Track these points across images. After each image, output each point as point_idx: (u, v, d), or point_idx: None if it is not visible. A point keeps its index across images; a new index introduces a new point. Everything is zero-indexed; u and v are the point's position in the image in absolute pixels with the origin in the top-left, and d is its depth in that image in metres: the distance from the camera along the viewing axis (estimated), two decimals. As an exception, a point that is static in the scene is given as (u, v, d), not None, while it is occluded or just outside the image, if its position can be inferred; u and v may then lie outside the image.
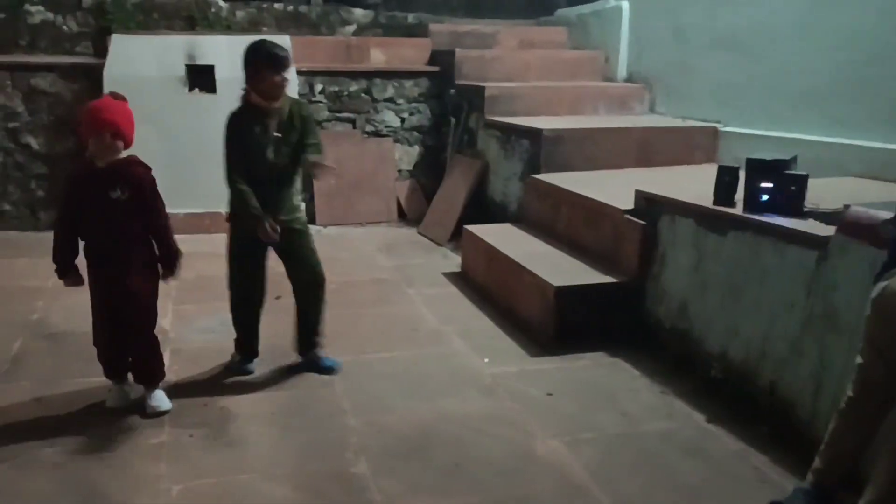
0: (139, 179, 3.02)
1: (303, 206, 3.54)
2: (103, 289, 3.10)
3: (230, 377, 3.53)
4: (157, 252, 3.13)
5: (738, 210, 3.44)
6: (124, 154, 3.03)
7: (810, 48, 4.75)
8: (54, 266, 3.09)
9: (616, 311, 3.98)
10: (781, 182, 3.33)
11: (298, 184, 3.48)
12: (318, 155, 3.37)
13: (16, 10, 6.31)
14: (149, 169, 3.09)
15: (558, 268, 4.17)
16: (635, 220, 3.99)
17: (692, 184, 4.36)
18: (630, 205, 4.09)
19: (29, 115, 5.73)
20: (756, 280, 3.28)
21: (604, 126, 5.49)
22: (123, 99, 3.11)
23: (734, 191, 3.55)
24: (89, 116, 2.98)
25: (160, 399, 3.20)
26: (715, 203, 3.57)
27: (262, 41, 3.33)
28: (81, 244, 3.11)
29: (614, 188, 4.54)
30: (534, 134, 5.28)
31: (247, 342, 3.59)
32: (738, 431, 3.13)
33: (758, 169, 3.39)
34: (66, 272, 3.08)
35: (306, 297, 3.57)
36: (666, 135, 5.44)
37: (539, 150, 5.20)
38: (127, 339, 3.15)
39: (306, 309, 3.58)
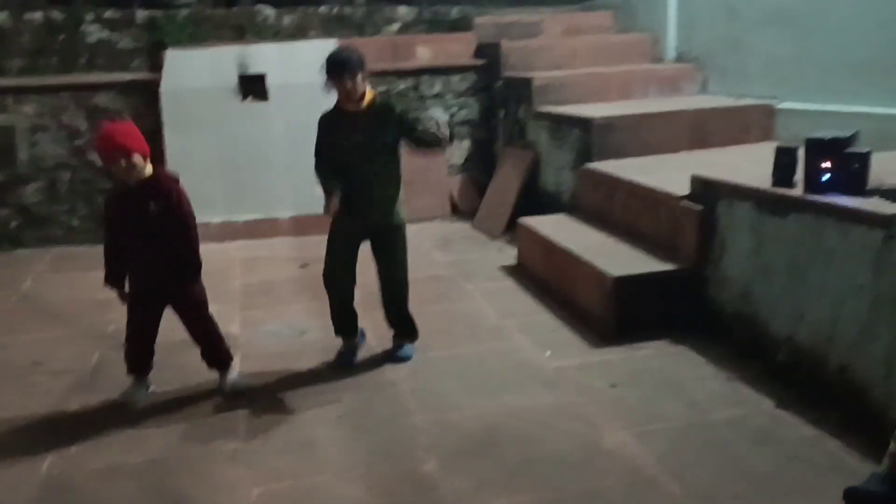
0: (168, 192, 3.23)
1: (401, 205, 3.63)
2: (148, 293, 3.32)
3: (299, 378, 3.62)
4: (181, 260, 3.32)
5: (798, 191, 3.38)
6: (149, 169, 3.21)
7: (866, 18, 4.60)
8: (106, 283, 3.34)
9: (677, 299, 3.95)
10: (843, 161, 3.25)
11: (397, 183, 3.60)
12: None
13: (74, 31, 6.53)
14: (176, 181, 3.29)
15: (616, 257, 4.15)
16: (692, 205, 3.95)
17: (749, 164, 4.30)
18: (686, 190, 4.04)
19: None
20: (820, 262, 3.22)
21: (655, 110, 5.41)
22: (123, 119, 3.26)
23: (793, 172, 3.49)
24: (99, 149, 3.19)
25: (236, 379, 3.48)
26: (774, 185, 3.51)
27: (335, 51, 3.49)
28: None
29: (669, 173, 4.49)
30: (584, 122, 5.25)
31: (346, 328, 3.75)
32: (808, 417, 3.08)
33: (817, 148, 3.32)
34: (114, 284, 3.33)
35: (391, 296, 3.74)
36: (720, 115, 5.34)
37: (590, 138, 5.17)
38: (191, 333, 3.43)
39: (392, 305, 3.76)
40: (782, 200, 3.41)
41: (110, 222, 3.29)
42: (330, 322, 3.81)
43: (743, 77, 5.71)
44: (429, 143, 3.51)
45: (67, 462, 2.98)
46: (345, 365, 3.72)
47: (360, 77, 3.40)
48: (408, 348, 3.81)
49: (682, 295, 3.95)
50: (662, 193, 4.21)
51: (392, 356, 3.79)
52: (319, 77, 3.41)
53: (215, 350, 3.48)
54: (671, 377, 3.51)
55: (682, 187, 4.09)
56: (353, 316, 3.76)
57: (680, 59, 6.44)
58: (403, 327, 3.82)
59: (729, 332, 3.76)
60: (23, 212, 5.90)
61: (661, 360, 3.68)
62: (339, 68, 3.37)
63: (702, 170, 4.08)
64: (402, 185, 3.66)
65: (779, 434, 3.00)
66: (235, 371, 3.56)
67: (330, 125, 3.52)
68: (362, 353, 3.83)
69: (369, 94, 3.49)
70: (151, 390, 3.50)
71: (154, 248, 3.26)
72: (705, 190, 3.93)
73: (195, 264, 3.34)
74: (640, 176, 4.54)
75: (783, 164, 3.48)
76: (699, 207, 3.91)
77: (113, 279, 3.32)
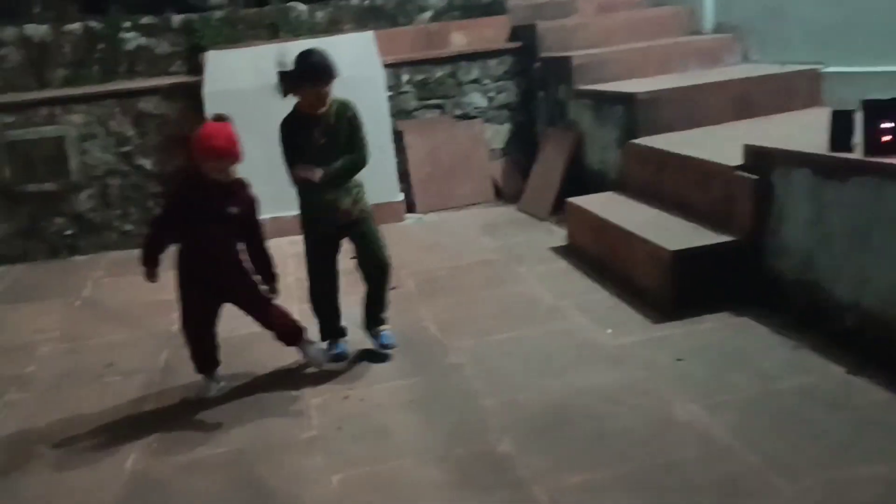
0: (250, 200, 3.41)
1: (365, 195, 3.65)
2: (207, 291, 3.41)
3: (364, 367, 3.68)
4: (254, 266, 3.46)
5: (857, 154, 3.34)
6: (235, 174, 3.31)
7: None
8: (141, 257, 3.40)
9: (735, 271, 3.92)
10: (904, 121, 3.20)
11: (357, 178, 3.61)
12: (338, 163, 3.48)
13: (113, 39, 6.64)
14: (251, 189, 3.43)
15: (670, 232, 4.14)
16: (747, 175, 3.91)
17: (799, 131, 4.25)
18: (738, 160, 4.01)
19: (139, 137, 6.04)
20: (884, 225, 3.18)
21: (698, 82, 5.35)
22: (227, 120, 3.32)
23: (851, 135, 3.44)
24: (197, 145, 3.25)
25: (316, 350, 3.63)
26: (832, 150, 3.47)
27: (309, 52, 3.45)
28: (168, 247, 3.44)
29: (718, 145, 4.45)
30: (627, 99, 5.22)
31: (330, 324, 3.78)
32: (881, 381, 3.06)
33: (876, 109, 3.26)
34: (151, 265, 3.39)
35: (371, 281, 3.73)
36: (764, 83, 5.27)
37: (634, 114, 5.13)
38: (259, 321, 3.51)
39: (372, 292, 3.74)
40: (842, 165, 3.37)
41: (176, 207, 3.36)
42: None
43: (785, 45, 5.62)
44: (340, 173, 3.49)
45: (150, 457, 3.07)
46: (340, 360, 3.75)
47: (309, 88, 3.41)
48: (388, 332, 3.76)
49: (739, 266, 3.92)
50: (714, 165, 4.17)
51: (380, 344, 3.74)
52: (280, 80, 3.43)
53: (286, 327, 3.57)
54: (736, 349, 3.50)
55: (733, 158, 4.05)
56: (339, 318, 3.81)
57: (718, 29, 6.35)
58: (379, 312, 3.77)
59: (790, 300, 3.73)
60: (77, 219, 6.03)
61: (723, 333, 3.67)
62: (328, 74, 3.38)
63: (750, 139, 4.03)
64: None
65: (852, 399, 2.98)
66: (315, 344, 3.67)
67: (296, 130, 3.47)
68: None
69: (328, 102, 3.49)
70: (222, 385, 3.57)
71: (224, 248, 3.37)
72: (759, 159, 3.89)
73: (273, 269, 3.49)
74: (688, 149, 4.50)
75: (841, 128, 3.44)
76: (754, 177, 3.87)
77: (151, 260, 3.39)
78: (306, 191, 3.54)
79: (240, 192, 3.38)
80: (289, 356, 3.74)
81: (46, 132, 5.89)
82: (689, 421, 2.96)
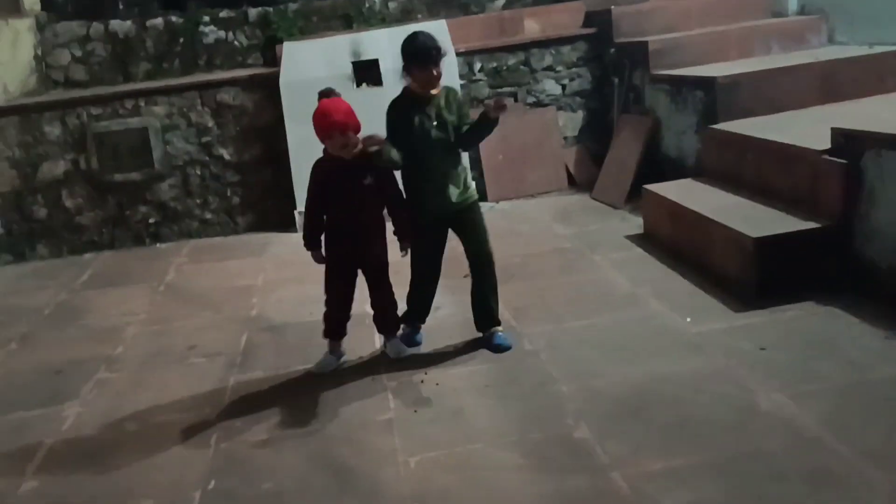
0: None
1: (472, 184, 3.67)
2: (347, 260, 3.54)
3: (440, 351, 3.69)
4: (394, 226, 3.57)
5: (958, 135, 3.17)
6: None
7: None
8: (304, 242, 3.55)
9: (821, 257, 3.79)
10: None
11: (465, 162, 3.64)
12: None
13: (192, 33, 6.83)
14: None
15: (752, 218, 4.02)
16: (835, 159, 3.77)
17: (890, 114, 4.07)
18: (826, 144, 3.86)
19: (218, 128, 6.19)
20: None
21: (781, 65, 5.18)
22: (333, 94, 3.41)
23: (951, 115, 3.28)
24: (317, 124, 3.33)
25: (400, 345, 3.68)
26: (929, 131, 3.31)
27: (414, 35, 3.44)
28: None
29: (803, 128, 4.31)
30: (707, 83, 5.08)
31: (420, 313, 3.79)
32: (982, 372, 2.91)
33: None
34: (315, 248, 3.53)
35: (475, 273, 3.68)
36: (852, 65, 5.05)
37: (714, 98, 5.00)
38: (373, 297, 3.64)
39: (477, 285, 3.69)
40: (940, 146, 3.21)
41: (321, 190, 3.46)
42: (462, 298, 3.87)
43: (874, 25, 5.38)
44: (480, 126, 3.48)
45: (233, 436, 3.15)
46: (411, 345, 3.74)
47: (421, 72, 3.39)
48: (501, 336, 3.66)
49: (826, 253, 3.78)
50: (799, 149, 4.03)
51: (489, 344, 3.66)
52: (399, 63, 3.44)
53: (388, 316, 3.68)
54: (823, 338, 3.37)
55: (819, 142, 3.91)
56: (429, 309, 3.82)
57: (803, 10, 6.13)
58: (490, 310, 3.68)
59: (882, 288, 3.58)
60: (160, 208, 6.23)
61: (809, 321, 3.54)
62: (436, 54, 3.37)
63: (838, 122, 3.88)
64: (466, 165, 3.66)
65: (951, 391, 2.84)
66: (399, 340, 3.73)
67: (406, 112, 3.46)
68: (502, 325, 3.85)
69: (437, 88, 3.49)
70: (344, 359, 3.67)
71: (362, 218, 3.49)
72: (848, 142, 3.74)
73: (408, 225, 3.57)
74: (772, 133, 4.36)
75: (939, 108, 3.27)
76: (843, 161, 3.73)
77: (314, 243, 3.53)
78: (416, 177, 3.52)
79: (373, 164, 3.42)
80: (367, 342, 3.80)
81: (131, 123, 6.10)
82: (775, 410, 2.87)
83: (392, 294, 3.67)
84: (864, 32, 5.49)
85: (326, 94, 3.39)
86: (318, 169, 3.48)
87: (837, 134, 3.82)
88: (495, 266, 3.67)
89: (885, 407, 2.80)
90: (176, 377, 3.75)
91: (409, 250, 3.59)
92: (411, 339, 3.78)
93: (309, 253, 3.57)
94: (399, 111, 3.48)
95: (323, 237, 3.56)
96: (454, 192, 3.53)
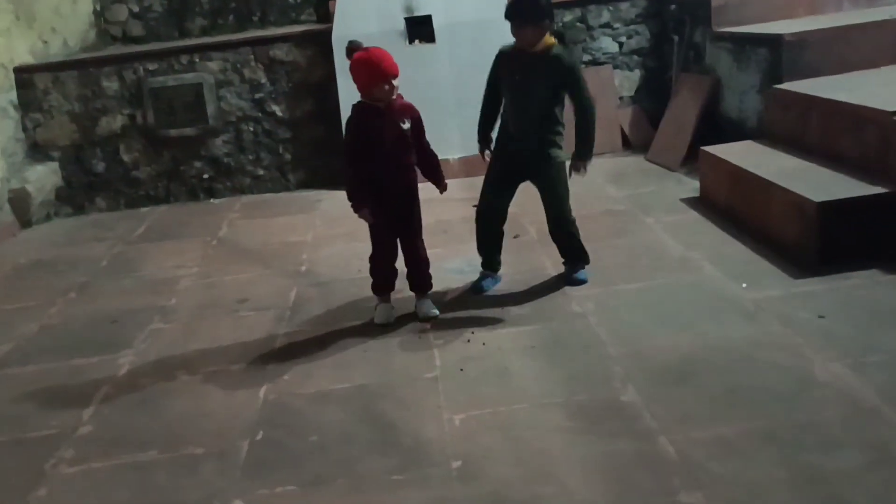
0: (415, 112, 3.52)
1: (559, 141, 3.67)
2: (389, 212, 3.52)
3: (487, 311, 3.67)
4: (427, 170, 3.60)
5: None
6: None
7: None
8: (350, 199, 3.49)
9: (889, 225, 3.62)
10: None
11: (553, 124, 3.64)
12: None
13: (247, -11, 6.83)
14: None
15: (815, 183, 3.86)
16: (908, 121, 3.58)
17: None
18: (899, 105, 3.68)
19: (271, 84, 6.20)
20: None
21: (852, 22, 4.93)
22: (363, 46, 3.40)
23: None
24: (370, 72, 3.33)
25: (430, 305, 3.67)
26: None
27: None
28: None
29: (874, 89, 4.12)
30: (772, 41, 4.86)
31: (484, 257, 3.91)
32: None
33: None
34: (363, 206, 3.48)
35: (551, 233, 3.83)
36: (930, 23, 4.79)
37: (780, 57, 4.78)
38: (408, 253, 3.64)
39: (555, 237, 3.84)
40: None
41: (358, 139, 3.44)
42: (507, 259, 3.95)
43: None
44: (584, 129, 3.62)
45: (281, 388, 3.19)
46: (476, 292, 3.87)
47: (537, 28, 3.48)
48: (581, 272, 3.85)
49: (894, 219, 3.61)
50: (869, 110, 3.84)
51: (567, 279, 3.85)
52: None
53: (422, 274, 3.68)
54: (886, 307, 3.24)
55: (891, 103, 3.73)
56: (496, 251, 3.90)
57: (878, -36, 5.81)
58: (569, 255, 3.87)
59: (952, 258, 3.42)
60: (214, 163, 6.29)
61: (872, 290, 3.41)
62: (515, 15, 3.49)
63: (914, 83, 3.69)
64: (562, 127, 3.68)
65: None
66: (429, 300, 3.72)
67: (503, 61, 3.66)
68: (550, 288, 3.84)
69: (548, 41, 3.54)
70: (392, 311, 3.70)
71: (402, 165, 3.50)
72: (923, 103, 3.55)
73: (440, 171, 3.63)
74: (840, 94, 4.17)
75: None
76: (917, 122, 3.54)
77: (360, 198, 3.48)
78: (506, 111, 3.71)
79: (407, 108, 3.50)
80: (411, 302, 3.78)
81: (186, 79, 6.15)
82: (832, 380, 2.77)
83: (425, 251, 3.67)
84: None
85: (357, 46, 3.38)
86: (362, 122, 3.44)
87: (912, 95, 3.62)
88: (570, 228, 3.82)
89: (949, 380, 2.68)
90: (226, 329, 3.81)
91: (444, 185, 3.64)
92: (480, 284, 3.90)
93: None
94: (499, 59, 3.72)
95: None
96: (528, 144, 3.64)
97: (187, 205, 6.27)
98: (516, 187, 3.79)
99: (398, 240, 3.63)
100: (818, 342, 3.03)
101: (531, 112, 3.59)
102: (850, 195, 3.66)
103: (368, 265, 3.69)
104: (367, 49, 3.39)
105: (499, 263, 3.94)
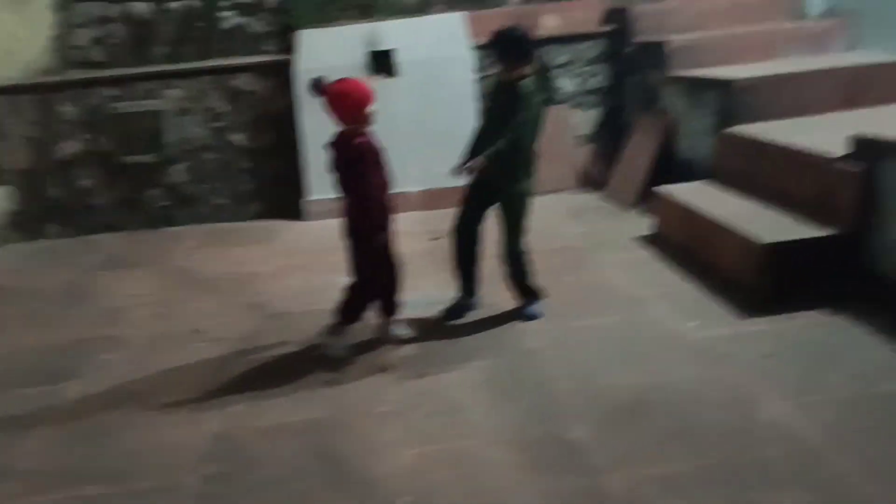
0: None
1: (524, 176, 3.74)
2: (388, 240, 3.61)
3: (442, 345, 3.68)
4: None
5: (977, 147, 3.12)
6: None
7: None
8: (380, 229, 3.55)
9: (833, 266, 3.73)
10: None
11: (522, 154, 3.69)
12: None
13: (210, 18, 6.83)
14: None
15: (765, 223, 3.97)
16: (852, 166, 3.71)
17: (912, 122, 4.00)
18: (843, 151, 3.80)
19: (232, 114, 6.20)
20: None
21: (801, 69, 5.11)
22: (327, 80, 3.46)
23: (971, 126, 3.22)
24: (356, 100, 3.41)
25: (403, 327, 3.75)
26: (948, 142, 3.25)
27: (508, 29, 3.69)
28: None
29: (822, 134, 4.24)
30: (724, 85, 5.02)
31: (460, 281, 3.94)
32: None
33: None
34: (380, 231, 3.54)
35: (501, 257, 3.86)
36: (876, 72, 4.97)
37: (731, 101, 4.94)
38: (387, 279, 3.67)
39: (505, 272, 3.89)
40: (958, 157, 3.15)
41: (376, 166, 3.49)
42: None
43: (899, 30, 5.31)
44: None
45: (234, 421, 3.15)
46: (448, 319, 3.92)
47: (514, 62, 3.62)
48: (535, 308, 3.89)
49: (839, 262, 3.73)
50: (816, 155, 3.98)
51: (521, 314, 3.89)
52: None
53: (391, 298, 3.71)
54: (830, 348, 3.33)
55: (837, 148, 3.85)
56: (470, 274, 3.93)
57: (826, 14, 6.05)
58: (515, 288, 3.91)
59: (892, 300, 3.53)
60: (172, 191, 6.25)
61: (817, 331, 3.50)
62: (497, 48, 3.68)
63: (857, 129, 3.82)
64: (533, 159, 3.76)
65: (958, 408, 2.80)
66: (398, 325, 3.78)
67: (492, 90, 3.87)
68: (507, 323, 3.86)
69: (523, 73, 3.65)
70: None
71: (389, 192, 3.59)
72: (865, 149, 3.68)
73: None
74: (788, 138, 4.30)
75: (959, 118, 3.22)
76: (858, 168, 3.67)
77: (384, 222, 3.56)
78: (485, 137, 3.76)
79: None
80: (371, 331, 3.78)
81: (146, 106, 6.12)
82: (777, 419, 2.83)
83: (395, 274, 3.69)
84: (889, 40, 5.40)
85: (324, 81, 3.42)
86: (374, 150, 3.49)
87: (854, 141, 3.76)
88: (520, 262, 3.86)
89: (888, 421, 2.76)
90: (179, 360, 3.76)
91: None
92: (457, 309, 3.97)
93: (315, 244, 3.58)
94: (490, 87, 4.05)
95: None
96: (496, 173, 3.68)
97: (144, 233, 6.20)
98: (488, 210, 3.83)
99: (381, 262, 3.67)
100: (764, 381, 3.10)
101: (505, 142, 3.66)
102: (797, 237, 3.77)
103: (348, 295, 3.63)
104: (341, 79, 3.45)
105: (475, 289, 3.97)
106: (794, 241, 3.73)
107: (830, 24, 5.86)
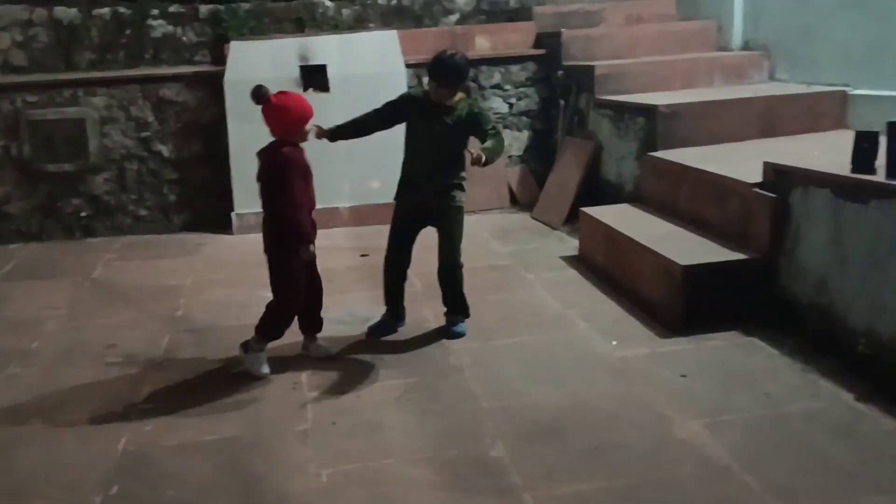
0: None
1: (459, 190, 3.78)
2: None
3: (365, 362, 3.64)
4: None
5: (880, 177, 3.27)
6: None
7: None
8: (305, 238, 3.47)
9: (747, 289, 3.85)
10: (929, 145, 3.13)
11: (458, 170, 3.77)
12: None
13: (140, 26, 6.67)
14: None
15: (683, 247, 4.07)
16: (765, 193, 3.85)
17: (823, 152, 4.18)
18: (758, 178, 3.94)
19: (159, 123, 6.06)
20: (904, 251, 3.11)
21: (722, 98, 5.29)
22: (266, 90, 3.41)
23: (874, 157, 3.38)
24: (298, 115, 3.40)
25: (322, 349, 3.71)
26: (854, 171, 3.40)
27: (447, 56, 3.64)
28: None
29: (738, 162, 4.39)
30: (648, 111, 5.16)
31: (389, 296, 3.95)
32: (891, 409, 2.98)
33: (901, 132, 3.20)
34: (307, 243, 3.48)
35: (439, 278, 3.89)
36: (790, 103, 5.19)
37: (655, 127, 5.07)
38: (313, 293, 3.63)
39: (441, 288, 3.91)
40: (863, 187, 3.30)
41: (301, 179, 3.44)
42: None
43: (813, 64, 5.54)
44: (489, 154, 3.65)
45: (143, 439, 3.05)
46: (373, 335, 3.92)
47: (454, 90, 3.64)
48: (460, 326, 3.91)
49: (752, 285, 3.85)
50: (732, 181, 4.11)
51: (446, 332, 3.90)
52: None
53: (313, 315, 3.69)
54: (743, 369, 3.43)
55: (752, 175, 3.99)
56: (400, 294, 3.96)
57: (746, 46, 6.28)
58: (452, 305, 3.93)
59: (803, 323, 3.66)
60: (93, 201, 6.05)
61: (731, 352, 3.60)
62: (440, 77, 3.61)
63: (773, 158, 3.97)
64: (465, 172, 3.81)
65: (859, 427, 2.91)
66: (321, 344, 3.75)
67: (420, 107, 3.72)
68: (430, 340, 3.86)
69: (455, 98, 3.70)
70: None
71: (315, 205, 3.56)
72: (779, 177, 3.83)
73: None
74: (708, 164, 4.44)
75: (863, 149, 3.37)
76: (772, 195, 3.81)
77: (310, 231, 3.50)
78: (413, 160, 3.77)
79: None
80: (290, 348, 3.72)
81: (68, 113, 5.92)
82: (689, 438, 2.89)
83: (318, 291, 3.66)
84: (803, 72, 5.65)
85: (265, 91, 3.37)
86: (301, 163, 3.45)
87: (769, 169, 3.90)
88: (459, 275, 3.90)
89: (794, 440, 2.85)
90: (90, 375, 3.63)
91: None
92: (383, 327, 3.96)
93: (241, 257, 3.51)
94: (409, 103, 3.81)
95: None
96: (433, 190, 3.74)
97: (62, 243, 5.98)
98: (418, 234, 3.87)
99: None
100: (679, 401, 3.17)
101: (440, 159, 3.70)
102: (714, 260, 3.88)
103: (271, 311, 3.55)
104: (284, 92, 3.44)
105: (404, 310, 4.00)
106: (711, 264, 3.84)
107: (750, 56, 6.08)
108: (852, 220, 3.36)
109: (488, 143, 3.64)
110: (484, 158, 3.53)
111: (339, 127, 3.83)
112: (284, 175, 3.40)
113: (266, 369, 3.55)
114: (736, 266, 3.86)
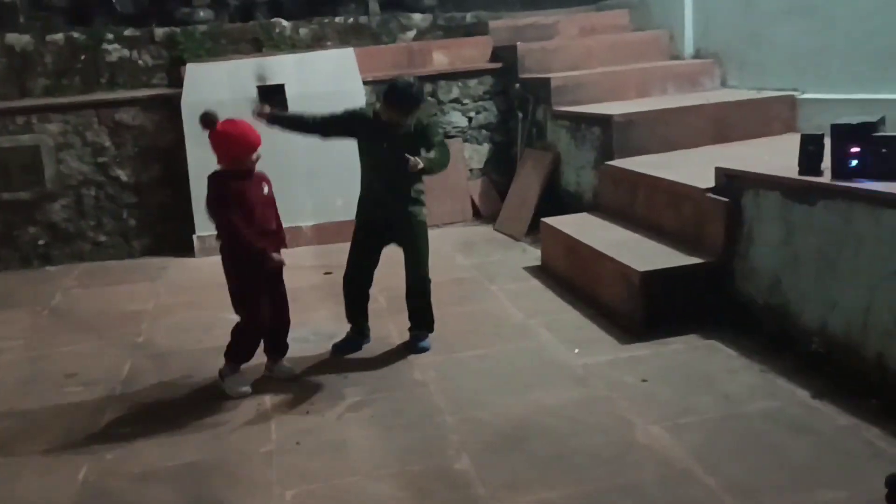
0: (267, 178, 3.58)
1: (422, 206, 3.82)
2: (261, 278, 3.50)
3: (329, 380, 3.63)
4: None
5: (826, 178, 3.35)
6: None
7: (889, 5, 4.56)
8: (254, 249, 3.43)
9: (704, 293, 3.92)
10: (871, 145, 3.22)
11: (416, 183, 3.80)
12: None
13: (95, 51, 6.61)
14: None
15: (641, 253, 4.13)
16: (718, 197, 3.92)
17: (774, 156, 4.27)
18: (711, 183, 4.02)
19: (116, 148, 6.01)
20: (851, 249, 3.19)
21: (675, 106, 5.39)
22: (214, 115, 3.40)
23: (820, 159, 3.47)
24: (245, 142, 3.38)
25: (286, 370, 3.71)
26: (801, 173, 3.48)
27: (404, 84, 3.67)
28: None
29: (692, 168, 4.47)
30: (604, 121, 5.24)
31: (352, 312, 3.96)
32: (845, 406, 3.04)
33: (844, 134, 3.29)
34: (266, 255, 3.45)
35: (407, 292, 3.92)
36: (741, 108, 5.31)
37: (611, 136, 5.15)
38: (277, 316, 3.61)
39: (409, 302, 3.93)
40: (811, 188, 3.38)
41: (232, 204, 3.39)
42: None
43: (763, 70, 5.66)
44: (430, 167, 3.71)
45: (103, 468, 3.01)
46: (338, 353, 3.93)
47: (409, 115, 3.66)
48: (425, 341, 3.93)
49: (709, 288, 3.91)
50: (686, 187, 4.18)
51: (411, 347, 3.91)
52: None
53: (285, 336, 3.70)
54: (702, 371, 3.48)
55: (706, 181, 4.07)
56: (362, 314, 3.98)
57: (698, 54, 6.41)
58: (417, 320, 3.94)
59: (759, 324, 3.73)
60: (50, 229, 5.97)
61: (690, 355, 3.65)
62: (395, 103, 3.61)
63: (725, 163, 4.05)
64: (423, 186, 3.84)
65: (816, 424, 2.96)
66: (284, 365, 3.75)
67: (369, 125, 3.73)
68: (395, 356, 3.87)
69: (407, 121, 3.72)
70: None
71: (268, 229, 3.51)
72: (730, 182, 3.90)
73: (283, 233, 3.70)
74: (662, 171, 4.52)
75: (810, 152, 3.46)
76: (725, 200, 3.88)
77: (263, 251, 3.44)
78: (369, 177, 3.80)
79: (259, 174, 3.54)
80: (254, 370, 3.69)
81: (22, 140, 5.85)
82: (650, 442, 2.93)
83: (282, 312, 3.65)
84: (753, 78, 5.77)
85: (213, 117, 3.36)
86: (225, 184, 3.41)
87: (720, 174, 3.98)
88: (427, 288, 3.92)
89: (753, 440, 2.89)
90: (49, 406, 3.57)
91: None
92: (349, 344, 3.97)
93: (204, 280, 3.49)
94: (363, 120, 3.79)
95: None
96: (395, 205, 3.77)
97: (19, 272, 5.89)
98: (380, 252, 3.88)
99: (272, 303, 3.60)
100: (640, 405, 3.20)
101: (394, 173, 3.70)
102: (671, 265, 3.94)
103: (235, 335, 3.54)
104: (231, 120, 3.41)
105: (368, 328, 4.01)
106: (668, 270, 3.90)
107: (702, 63, 6.20)
108: (801, 221, 3.44)
109: (431, 154, 3.68)
110: (421, 165, 3.58)
111: (280, 114, 3.85)
112: (214, 205, 3.42)
113: (246, 388, 3.54)
114: (692, 270, 3.92)
